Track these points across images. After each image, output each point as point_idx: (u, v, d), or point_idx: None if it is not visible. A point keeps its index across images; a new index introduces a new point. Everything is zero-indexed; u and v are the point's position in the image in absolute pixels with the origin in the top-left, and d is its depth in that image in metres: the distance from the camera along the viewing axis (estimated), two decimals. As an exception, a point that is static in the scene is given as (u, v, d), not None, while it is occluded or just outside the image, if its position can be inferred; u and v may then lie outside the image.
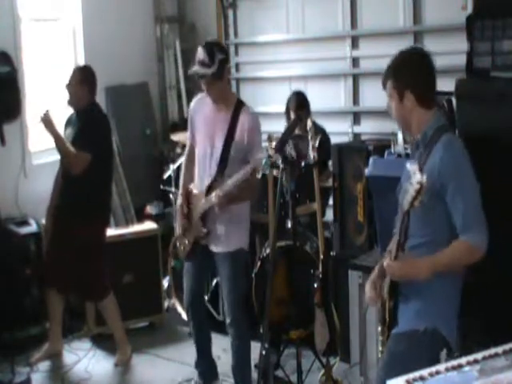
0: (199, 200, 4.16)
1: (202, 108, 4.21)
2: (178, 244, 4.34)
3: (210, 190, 4.08)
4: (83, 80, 4.81)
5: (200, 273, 4.38)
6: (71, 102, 4.83)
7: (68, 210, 4.83)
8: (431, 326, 2.82)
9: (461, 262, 2.80)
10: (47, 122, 4.70)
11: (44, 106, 4.94)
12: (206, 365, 4.52)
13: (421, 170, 2.64)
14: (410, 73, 2.92)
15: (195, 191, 4.23)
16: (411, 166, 2.65)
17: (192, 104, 4.34)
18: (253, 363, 4.45)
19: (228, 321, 4.26)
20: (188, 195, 4.26)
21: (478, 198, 2.80)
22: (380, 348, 3.03)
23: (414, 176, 2.59)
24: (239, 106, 4.12)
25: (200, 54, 4.01)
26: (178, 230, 4.35)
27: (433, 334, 2.82)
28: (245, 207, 4.22)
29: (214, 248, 4.19)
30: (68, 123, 4.92)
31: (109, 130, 4.95)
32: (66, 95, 4.82)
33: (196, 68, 4.04)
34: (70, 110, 4.92)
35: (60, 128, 4.85)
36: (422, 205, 2.67)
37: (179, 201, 4.30)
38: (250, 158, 3.99)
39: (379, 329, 3.00)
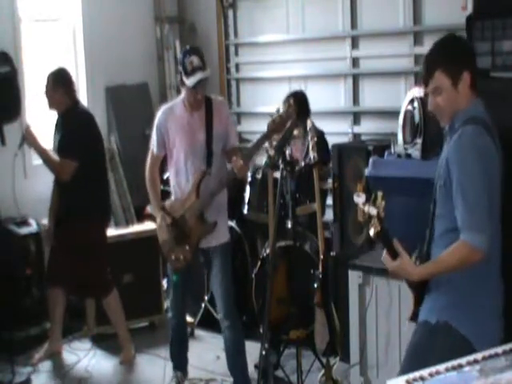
0: (186, 203, 4.17)
1: (172, 116, 4.25)
2: (172, 257, 4.24)
3: (199, 185, 4.11)
4: (57, 84, 4.84)
5: (191, 273, 4.41)
6: (52, 107, 4.89)
7: (67, 211, 4.85)
8: (442, 319, 2.71)
9: (460, 264, 2.63)
10: (29, 137, 4.78)
11: (43, 106, 4.97)
12: (183, 356, 4.57)
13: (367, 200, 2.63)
14: (465, 51, 2.74)
15: (174, 199, 4.30)
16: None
17: (160, 116, 4.30)
18: (253, 363, 4.45)
19: (222, 313, 4.27)
20: (166, 208, 4.28)
21: (480, 197, 2.61)
22: None
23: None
24: (208, 99, 4.22)
25: (195, 61, 4.05)
26: (166, 245, 4.28)
27: (445, 329, 2.70)
28: (225, 197, 4.29)
29: (205, 244, 4.22)
30: (55, 127, 4.94)
31: (94, 129, 4.93)
32: (45, 102, 4.88)
33: (200, 75, 4.04)
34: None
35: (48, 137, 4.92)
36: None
37: (160, 215, 4.26)
38: (228, 143, 4.20)
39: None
